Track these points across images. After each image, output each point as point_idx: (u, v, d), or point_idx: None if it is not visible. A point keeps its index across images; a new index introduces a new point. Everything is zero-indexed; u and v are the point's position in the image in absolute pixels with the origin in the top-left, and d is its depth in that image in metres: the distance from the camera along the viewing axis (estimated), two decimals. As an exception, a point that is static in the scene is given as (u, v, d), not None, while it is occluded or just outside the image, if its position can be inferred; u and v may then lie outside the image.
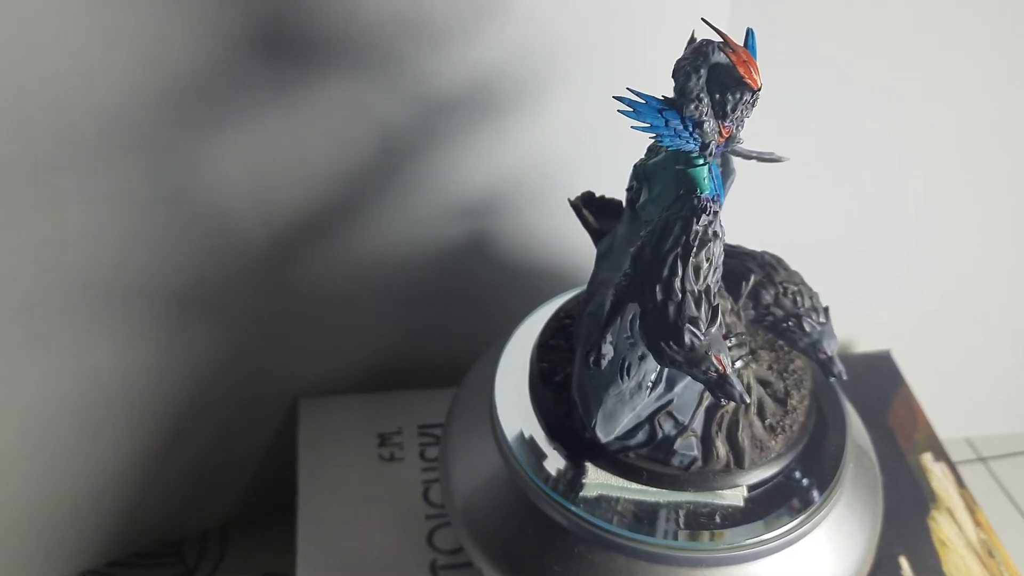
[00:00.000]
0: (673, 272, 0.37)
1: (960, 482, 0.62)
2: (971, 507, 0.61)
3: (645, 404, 0.43)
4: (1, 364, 0.53)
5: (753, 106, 0.37)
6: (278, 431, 0.66)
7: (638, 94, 0.36)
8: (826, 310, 0.47)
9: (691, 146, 0.37)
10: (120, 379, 0.58)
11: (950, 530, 0.59)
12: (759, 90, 0.36)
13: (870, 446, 0.52)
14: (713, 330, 0.37)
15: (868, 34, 0.59)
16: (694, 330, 0.37)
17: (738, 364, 0.46)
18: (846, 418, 0.49)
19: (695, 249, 0.37)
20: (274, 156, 0.53)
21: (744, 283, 0.48)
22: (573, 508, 0.43)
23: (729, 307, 0.47)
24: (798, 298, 0.47)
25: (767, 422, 0.45)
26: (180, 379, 0.60)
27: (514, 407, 0.48)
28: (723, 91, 0.36)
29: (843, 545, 0.45)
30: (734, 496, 0.44)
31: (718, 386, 0.37)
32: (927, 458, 0.64)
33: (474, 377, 0.53)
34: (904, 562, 0.57)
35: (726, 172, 0.44)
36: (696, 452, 0.43)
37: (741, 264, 0.48)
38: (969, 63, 0.62)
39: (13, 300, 0.51)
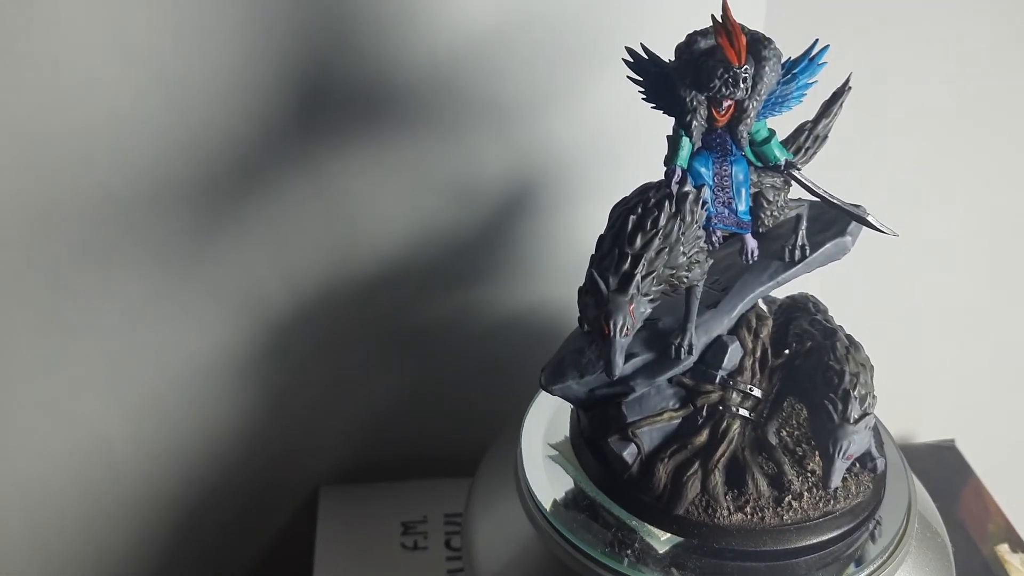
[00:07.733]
0: (612, 224, 0.37)
1: (1045, 575, 0.56)
2: (1060, 602, 0.54)
3: (597, 381, 0.41)
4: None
5: (734, 86, 0.35)
6: (297, 521, 0.62)
7: (646, 51, 0.37)
8: (865, 415, 0.39)
9: (671, 112, 0.37)
10: (132, 455, 0.55)
11: (1038, 625, 0.53)
12: (739, 68, 0.35)
13: (938, 518, 0.47)
14: (620, 298, 0.35)
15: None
16: (598, 279, 0.35)
17: (742, 412, 0.42)
18: (908, 478, 0.45)
19: (640, 212, 0.36)
20: (298, 223, 0.52)
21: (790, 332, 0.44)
22: (623, 568, 0.39)
23: (758, 354, 0.43)
24: (834, 380, 0.40)
25: (741, 500, 0.40)
26: (193, 460, 0.57)
27: (542, 470, 0.44)
28: (704, 58, 0.35)
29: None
30: (656, 537, 0.39)
31: (601, 346, 0.36)
32: (1003, 549, 0.58)
33: (495, 452, 0.50)
34: (988, 660, 0.51)
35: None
36: (629, 458, 0.40)
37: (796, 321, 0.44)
38: None
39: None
